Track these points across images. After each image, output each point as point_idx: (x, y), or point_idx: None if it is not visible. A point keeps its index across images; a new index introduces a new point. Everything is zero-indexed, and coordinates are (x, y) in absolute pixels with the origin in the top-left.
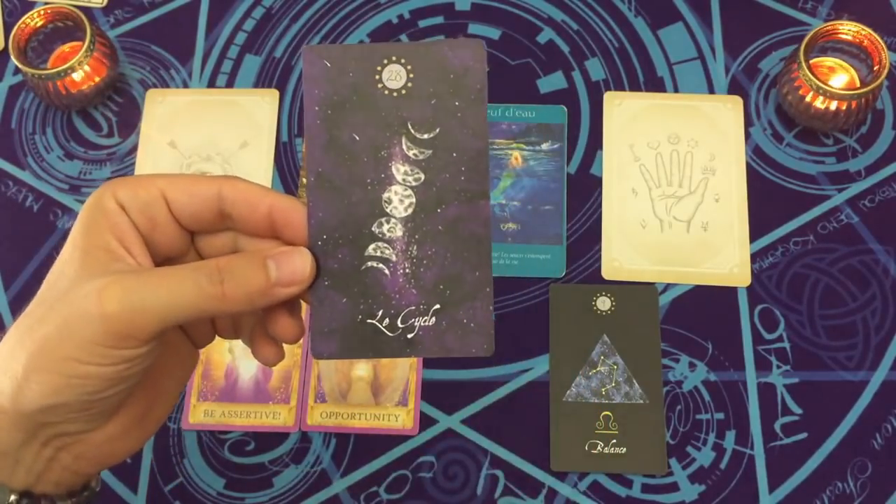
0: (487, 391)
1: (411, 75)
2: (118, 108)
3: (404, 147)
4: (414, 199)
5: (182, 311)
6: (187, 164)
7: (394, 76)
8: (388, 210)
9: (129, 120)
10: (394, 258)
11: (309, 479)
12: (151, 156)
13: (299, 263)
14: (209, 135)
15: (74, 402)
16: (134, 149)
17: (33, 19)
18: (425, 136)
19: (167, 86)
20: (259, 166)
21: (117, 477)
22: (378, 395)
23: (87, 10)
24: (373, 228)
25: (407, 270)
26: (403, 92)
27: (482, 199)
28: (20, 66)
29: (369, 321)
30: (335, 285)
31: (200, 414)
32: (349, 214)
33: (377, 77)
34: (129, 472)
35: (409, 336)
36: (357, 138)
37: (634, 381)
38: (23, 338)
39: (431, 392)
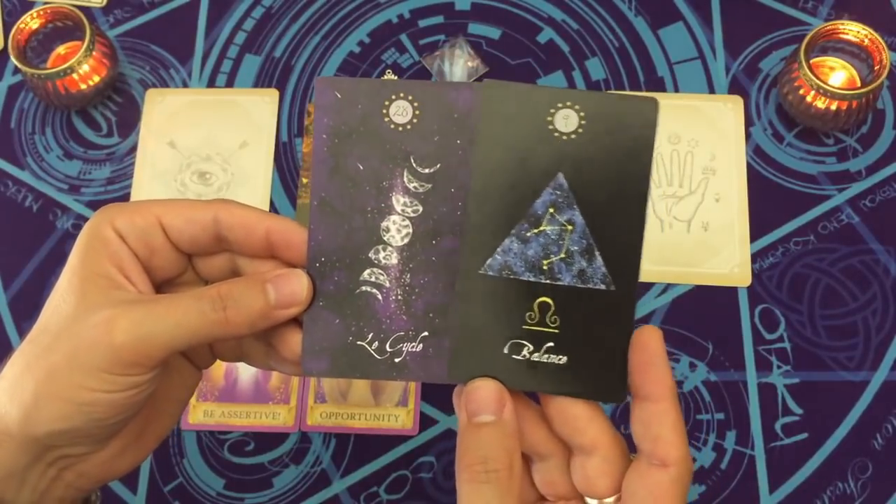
0: None
1: (417, 112)
2: (118, 107)
3: (405, 179)
4: (411, 230)
5: (188, 337)
6: (186, 164)
7: (400, 111)
8: (385, 238)
9: (129, 120)
10: (387, 284)
11: (309, 479)
12: (151, 156)
13: (297, 286)
14: (209, 135)
15: (83, 427)
16: (133, 148)
17: (33, 19)
18: (426, 170)
19: (167, 85)
20: (259, 166)
21: None
22: (378, 396)
23: (86, 10)
24: (369, 255)
25: (399, 297)
26: (409, 127)
27: None
28: (19, 65)
29: (359, 343)
30: (329, 306)
31: (200, 414)
32: (348, 240)
33: (384, 111)
34: (129, 473)
35: (397, 360)
36: (361, 168)
37: (597, 253)
38: (30, 365)
39: (431, 392)
